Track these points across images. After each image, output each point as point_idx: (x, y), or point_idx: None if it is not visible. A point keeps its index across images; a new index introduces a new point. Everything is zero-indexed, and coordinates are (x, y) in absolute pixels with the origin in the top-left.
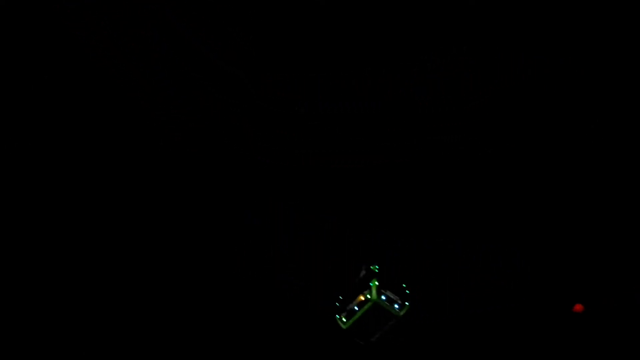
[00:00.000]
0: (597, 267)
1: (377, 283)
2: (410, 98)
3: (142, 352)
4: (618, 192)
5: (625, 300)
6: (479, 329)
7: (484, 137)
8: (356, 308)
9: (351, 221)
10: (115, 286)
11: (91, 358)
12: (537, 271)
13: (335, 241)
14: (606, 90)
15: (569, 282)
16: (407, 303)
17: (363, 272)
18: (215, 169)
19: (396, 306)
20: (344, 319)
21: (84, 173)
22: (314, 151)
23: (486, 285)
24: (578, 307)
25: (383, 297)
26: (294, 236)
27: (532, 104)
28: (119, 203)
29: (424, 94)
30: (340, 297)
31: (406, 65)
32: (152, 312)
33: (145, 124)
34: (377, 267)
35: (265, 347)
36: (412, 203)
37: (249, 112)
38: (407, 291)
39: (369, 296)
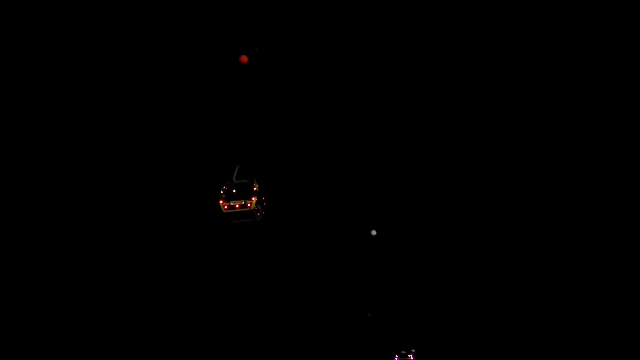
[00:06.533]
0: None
1: (255, 199)
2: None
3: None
4: (618, 192)
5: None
6: (477, 328)
7: (483, 136)
8: (237, 206)
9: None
10: (108, 285)
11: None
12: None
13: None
14: (606, 90)
15: (566, 282)
16: (261, 214)
17: (238, 178)
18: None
19: (258, 214)
20: (225, 207)
21: (84, 173)
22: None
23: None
24: (243, 59)
25: (255, 208)
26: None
27: (531, 104)
28: (118, 203)
29: (423, 93)
30: (224, 189)
31: (406, 65)
32: (148, 311)
33: (145, 124)
34: (257, 184)
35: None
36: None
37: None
38: (264, 203)
39: (249, 205)
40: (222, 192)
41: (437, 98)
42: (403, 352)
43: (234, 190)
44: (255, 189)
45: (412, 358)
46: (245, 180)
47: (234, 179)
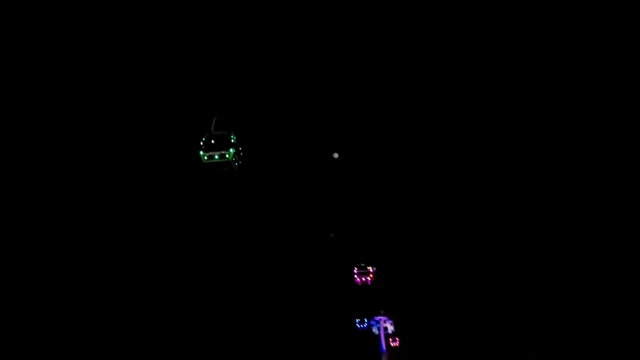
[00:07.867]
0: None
1: (233, 150)
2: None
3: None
4: (617, 193)
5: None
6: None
7: (483, 137)
8: (216, 157)
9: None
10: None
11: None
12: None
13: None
14: (606, 90)
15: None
16: (238, 163)
17: (216, 129)
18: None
19: (236, 164)
20: (205, 157)
21: (84, 173)
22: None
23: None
24: None
25: (233, 159)
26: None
27: (531, 104)
28: (118, 202)
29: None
30: (204, 139)
31: (407, 65)
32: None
33: (145, 125)
34: (234, 136)
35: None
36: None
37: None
38: (241, 154)
39: (227, 156)
40: (201, 143)
41: (431, 94)
42: (362, 264)
43: (213, 142)
44: (232, 140)
45: (370, 271)
46: (223, 132)
47: (213, 130)
